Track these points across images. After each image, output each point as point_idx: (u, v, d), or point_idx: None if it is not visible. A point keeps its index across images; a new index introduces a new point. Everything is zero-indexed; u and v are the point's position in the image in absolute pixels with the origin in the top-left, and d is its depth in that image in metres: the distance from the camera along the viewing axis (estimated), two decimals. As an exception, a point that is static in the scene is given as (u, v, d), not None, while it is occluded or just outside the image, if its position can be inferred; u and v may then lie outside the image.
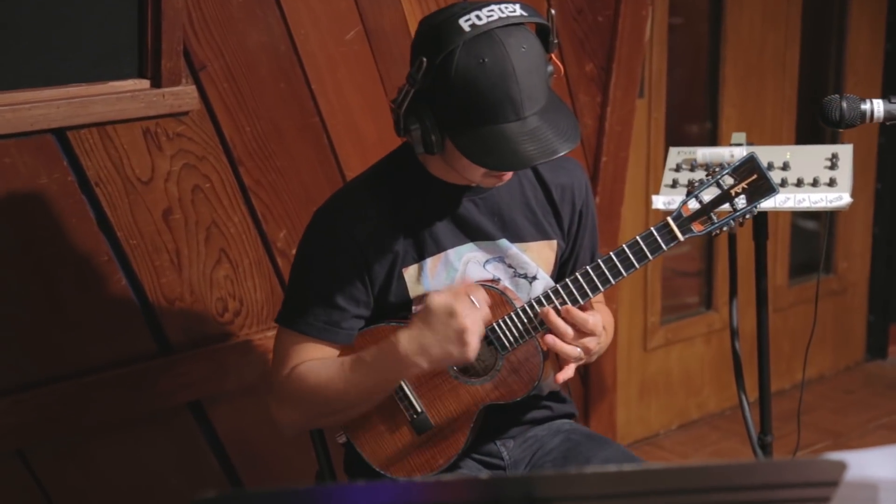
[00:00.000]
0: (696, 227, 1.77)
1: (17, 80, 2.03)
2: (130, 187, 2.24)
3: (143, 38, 2.13)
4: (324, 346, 1.82)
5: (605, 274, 1.77)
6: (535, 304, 1.79)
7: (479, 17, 1.61)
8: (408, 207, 1.81)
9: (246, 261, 2.43)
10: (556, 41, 1.72)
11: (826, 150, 2.24)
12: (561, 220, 1.91)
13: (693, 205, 1.77)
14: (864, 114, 1.93)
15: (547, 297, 1.78)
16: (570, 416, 2.04)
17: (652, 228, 1.77)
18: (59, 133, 2.12)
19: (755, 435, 2.33)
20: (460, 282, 1.83)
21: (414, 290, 1.83)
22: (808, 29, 3.72)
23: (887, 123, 1.96)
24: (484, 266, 1.85)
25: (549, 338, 1.74)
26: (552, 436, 1.97)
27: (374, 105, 2.51)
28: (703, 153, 2.27)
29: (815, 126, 3.73)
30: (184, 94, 2.22)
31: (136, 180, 2.24)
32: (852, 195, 2.17)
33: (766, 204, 1.82)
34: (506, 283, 1.87)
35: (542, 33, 1.70)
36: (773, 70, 3.65)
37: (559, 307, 1.76)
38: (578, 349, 1.75)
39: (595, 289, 1.77)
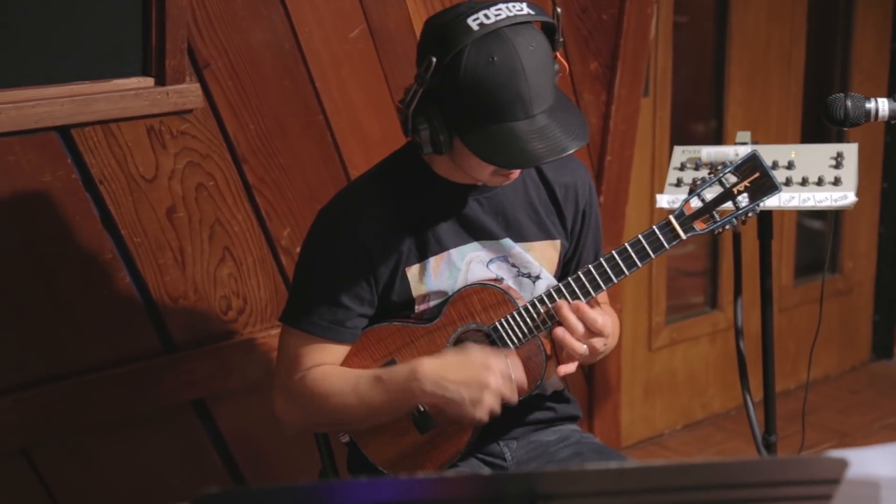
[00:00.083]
0: (699, 226, 1.77)
1: (20, 78, 2.04)
2: (134, 185, 2.24)
3: (147, 36, 2.14)
4: (329, 345, 1.82)
5: (607, 272, 1.77)
6: (537, 303, 1.79)
7: (486, 17, 1.61)
8: (411, 206, 1.81)
9: (250, 259, 2.43)
10: (561, 39, 1.72)
11: (831, 148, 2.23)
12: (564, 219, 1.91)
13: (696, 203, 1.77)
14: (868, 112, 1.93)
15: (549, 295, 1.78)
16: (574, 417, 2.03)
17: (654, 227, 1.76)
18: (63, 131, 2.13)
19: (759, 435, 2.33)
20: (463, 281, 1.83)
21: (417, 290, 1.82)
22: (814, 27, 3.71)
23: (892, 122, 1.96)
24: (487, 265, 1.85)
25: (560, 330, 1.74)
26: (560, 444, 1.96)
27: (377, 103, 2.51)
28: (708, 152, 2.27)
29: (820, 125, 3.72)
30: (188, 92, 2.22)
31: (140, 178, 2.25)
32: (857, 194, 2.16)
33: (771, 203, 1.81)
34: (509, 282, 1.86)
35: (548, 32, 1.70)
36: (779, 68, 3.64)
37: (570, 302, 1.76)
38: (585, 346, 1.75)
39: (597, 287, 1.77)
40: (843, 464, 1.08)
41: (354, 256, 1.79)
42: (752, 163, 1.76)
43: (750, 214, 1.78)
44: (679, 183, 2.26)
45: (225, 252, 2.39)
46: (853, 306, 4.11)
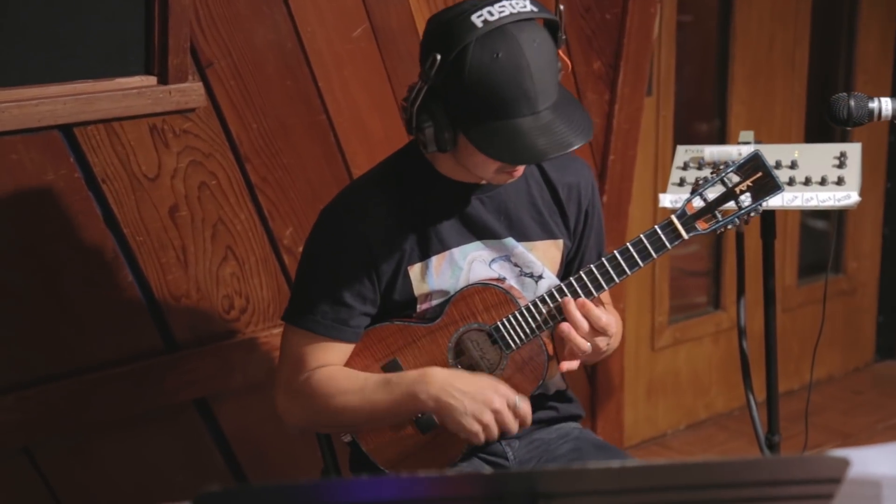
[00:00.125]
0: (701, 226, 1.76)
1: (23, 77, 2.03)
2: (137, 184, 2.24)
3: (150, 35, 2.13)
4: (332, 344, 1.81)
5: (609, 273, 1.77)
6: (539, 302, 1.79)
7: (490, 13, 1.61)
8: (414, 205, 1.81)
9: (252, 258, 2.43)
10: (563, 37, 1.72)
11: (834, 148, 2.23)
12: (567, 219, 1.91)
13: (698, 203, 1.76)
14: (871, 112, 1.93)
15: (551, 295, 1.78)
16: (576, 417, 2.03)
17: (656, 227, 1.76)
18: (66, 129, 2.12)
19: (763, 435, 2.32)
20: (465, 281, 1.83)
21: (419, 289, 1.82)
22: (818, 27, 3.70)
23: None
24: (490, 265, 1.85)
25: (565, 326, 1.74)
26: (560, 441, 1.96)
27: (380, 103, 2.51)
28: (711, 151, 2.27)
29: (824, 125, 3.71)
30: (190, 91, 2.22)
31: (143, 177, 2.25)
32: (861, 194, 2.16)
33: (774, 202, 1.81)
34: (511, 282, 1.86)
35: (551, 29, 1.70)
36: (783, 68, 3.63)
37: (576, 299, 1.77)
38: (589, 344, 1.75)
39: (599, 287, 1.77)
40: (844, 463, 1.08)
41: (357, 255, 1.79)
42: (755, 162, 1.76)
43: (752, 214, 1.78)
44: (682, 182, 2.26)
45: (227, 251, 2.39)
46: (857, 307, 4.10)
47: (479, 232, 1.84)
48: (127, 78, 2.16)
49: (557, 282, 1.86)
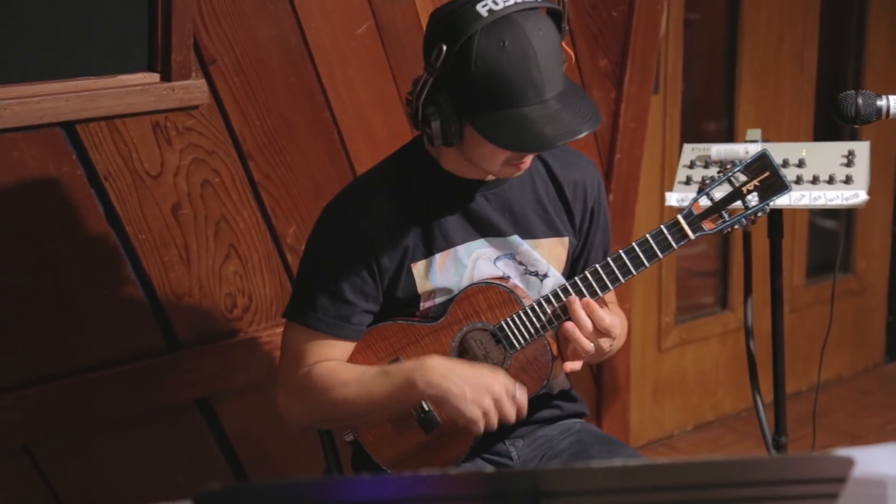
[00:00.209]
0: (708, 225, 1.76)
1: (25, 73, 2.03)
2: (139, 181, 2.23)
3: (153, 32, 2.13)
4: (333, 342, 1.81)
5: (614, 272, 1.76)
6: (543, 302, 1.78)
7: (495, 3, 1.62)
8: (418, 202, 1.80)
9: (255, 256, 2.42)
10: (567, 27, 1.71)
11: (842, 146, 2.22)
12: (573, 217, 1.90)
13: (704, 202, 1.76)
14: (879, 110, 1.92)
15: (556, 294, 1.77)
16: (580, 415, 2.02)
17: (662, 226, 1.76)
18: (68, 126, 2.12)
19: (770, 436, 2.32)
20: (469, 279, 1.82)
21: (422, 286, 1.82)
22: (827, 25, 3.69)
23: (904, 120, 1.94)
24: (494, 263, 1.84)
25: (570, 325, 1.74)
26: (562, 436, 1.96)
27: (385, 100, 2.50)
28: (718, 150, 2.26)
29: (832, 124, 3.68)
30: (194, 88, 2.22)
31: (146, 174, 2.24)
32: (870, 193, 2.15)
33: (781, 201, 1.80)
34: (516, 280, 1.85)
35: (555, 18, 1.70)
36: (791, 67, 3.62)
37: (581, 298, 1.76)
38: (592, 345, 1.74)
39: (604, 287, 1.77)
40: (849, 462, 1.07)
41: (359, 252, 1.78)
42: (762, 162, 1.75)
43: (759, 214, 1.77)
44: (688, 181, 2.26)
45: (230, 249, 2.38)
46: (866, 307, 4.08)
47: (483, 229, 1.83)
48: (129, 75, 2.15)
49: (563, 280, 1.85)
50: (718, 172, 1.77)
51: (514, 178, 1.82)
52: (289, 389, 1.84)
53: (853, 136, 3.53)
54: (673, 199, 2.22)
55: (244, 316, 2.44)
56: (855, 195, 2.13)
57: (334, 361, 1.81)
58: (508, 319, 1.79)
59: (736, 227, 1.77)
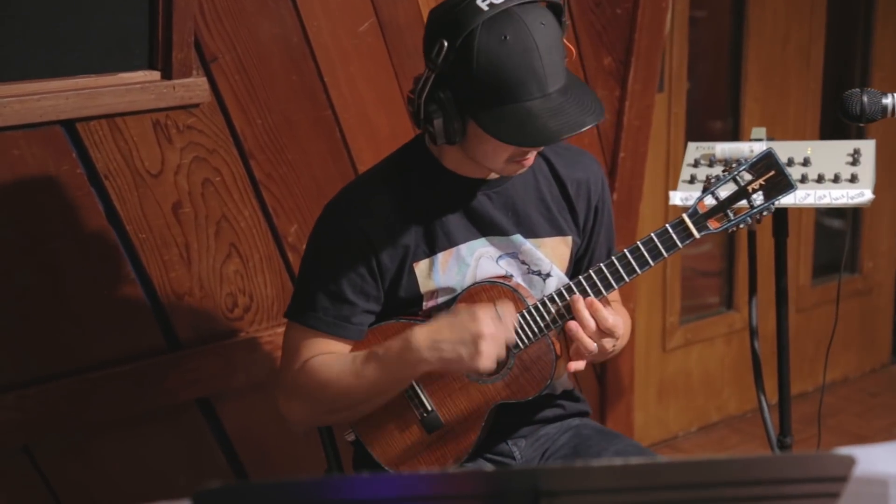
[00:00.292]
0: (713, 224, 1.75)
1: (25, 71, 2.02)
2: (140, 180, 2.23)
3: (153, 29, 2.12)
4: (334, 342, 1.80)
5: (619, 272, 1.75)
6: (547, 301, 1.77)
7: None
8: (420, 201, 1.80)
9: (256, 256, 2.41)
10: (567, 21, 1.71)
11: (848, 145, 2.21)
12: (576, 215, 1.89)
13: (709, 201, 1.75)
14: (885, 108, 1.92)
15: (560, 294, 1.76)
16: (583, 414, 2.02)
17: (667, 225, 1.75)
18: (69, 125, 2.11)
19: (774, 436, 2.31)
20: (472, 277, 1.81)
21: (425, 286, 1.81)
22: (834, 23, 3.67)
23: (910, 118, 1.93)
24: (497, 262, 1.83)
25: (573, 324, 1.72)
26: (561, 433, 1.96)
27: (387, 98, 2.49)
28: (722, 148, 2.25)
29: (839, 123, 3.67)
30: (194, 86, 2.21)
31: (146, 173, 2.23)
32: (876, 192, 2.14)
33: (786, 200, 1.79)
34: (519, 279, 1.84)
35: (555, 12, 1.69)
36: (798, 65, 3.60)
37: (585, 298, 1.74)
38: (595, 345, 1.73)
39: (609, 286, 1.76)
40: (850, 461, 1.07)
41: (360, 251, 1.77)
42: (768, 161, 1.74)
43: (765, 213, 1.76)
44: (692, 179, 2.25)
45: (231, 249, 2.38)
46: (873, 307, 4.07)
47: (485, 228, 1.82)
48: (130, 73, 2.15)
49: (566, 279, 1.84)
50: (724, 171, 1.76)
51: (517, 176, 1.81)
52: (289, 390, 1.83)
53: (860, 135, 3.51)
54: (677, 197, 2.21)
55: (245, 316, 2.43)
56: (860, 194, 2.12)
57: (323, 355, 1.80)
58: (511, 319, 1.78)
59: (741, 226, 1.76)
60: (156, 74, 2.17)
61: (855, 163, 2.17)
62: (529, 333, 1.77)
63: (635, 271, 1.75)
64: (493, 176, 1.81)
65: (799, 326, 3.76)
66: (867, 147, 2.19)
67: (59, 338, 2.21)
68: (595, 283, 1.75)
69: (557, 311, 1.76)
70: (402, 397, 1.83)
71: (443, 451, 1.85)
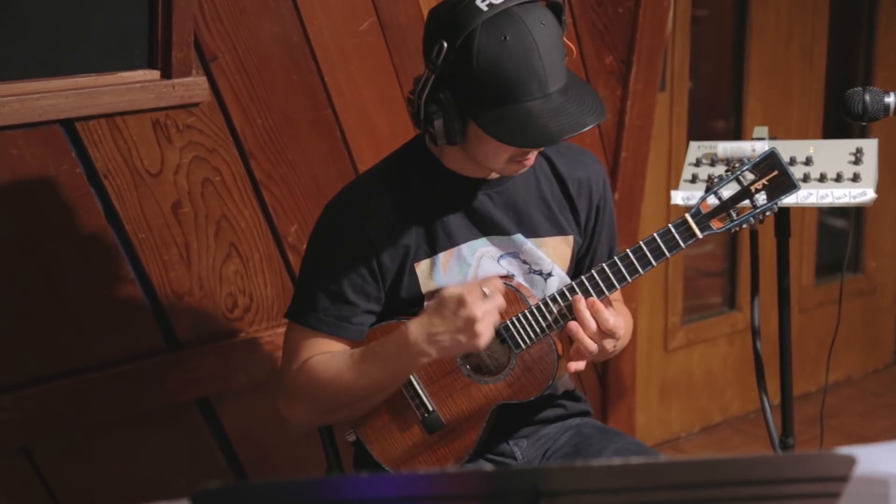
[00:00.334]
0: (716, 224, 1.74)
1: (25, 70, 2.02)
2: (139, 180, 2.22)
3: (153, 29, 2.12)
4: (334, 342, 1.80)
5: (621, 271, 1.74)
6: (549, 301, 1.76)
7: None
8: (420, 201, 1.79)
9: (256, 255, 2.41)
10: (567, 20, 1.70)
11: (850, 144, 2.21)
12: (577, 214, 1.89)
13: (712, 201, 1.74)
14: (887, 107, 1.91)
15: (562, 294, 1.76)
16: (584, 414, 2.02)
17: (670, 225, 1.74)
18: (68, 124, 2.11)
19: (776, 437, 2.30)
20: (474, 277, 1.80)
21: (426, 286, 1.80)
22: (837, 22, 3.66)
23: (913, 117, 1.93)
24: (498, 262, 1.83)
25: (574, 324, 1.72)
26: (561, 433, 1.96)
27: (387, 98, 2.49)
28: (724, 148, 2.25)
29: (842, 123, 3.66)
30: (194, 86, 2.21)
31: (146, 173, 2.23)
32: (879, 192, 2.14)
33: (789, 199, 1.78)
34: (520, 279, 1.84)
35: (555, 12, 1.69)
36: (800, 64, 3.59)
37: (587, 298, 1.74)
38: (596, 346, 1.72)
39: (611, 286, 1.75)
40: (851, 461, 1.06)
41: (360, 251, 1.77)
42: (771, 160, 1.73)
43: (768, 213, 1.75)
44: (694, 179, 2.24)
45: (231, 248, 2.37)
46: (876, 307, 4.06)
47: (486, 228, 1.82)
48: (130, 72, 2.14)
49: (567, 279, 1.84)
50: (726, 171, 1.76)
51: (518, 175, 1.80)
52: (289, 392, 1.83)
53: (863, 134, 3.50)
54: (678, 197, 2.20)
55: (245, 316, 2.43)
56: (863, 193, 2.12)
57: (320, 355, 1.79)
58: (514, 318, 1.77)
59: (744, 226, 1.75)
60: (155, 74, 2.17)
61: (857, 162, 2.17)
62: (531, 333, 1.77)
63: (638, 271, 1.74)
64: (494, 175, 1.80)
65: (801, 326, 3.75)
66: (870, 146, 2.19)
67: (58, 338, 2.21)
68: (597, 282, 1.74)
69: (559, 311, 1.76)
70: (403, 397, 1.83)
71: (444, 451, 1.84)
